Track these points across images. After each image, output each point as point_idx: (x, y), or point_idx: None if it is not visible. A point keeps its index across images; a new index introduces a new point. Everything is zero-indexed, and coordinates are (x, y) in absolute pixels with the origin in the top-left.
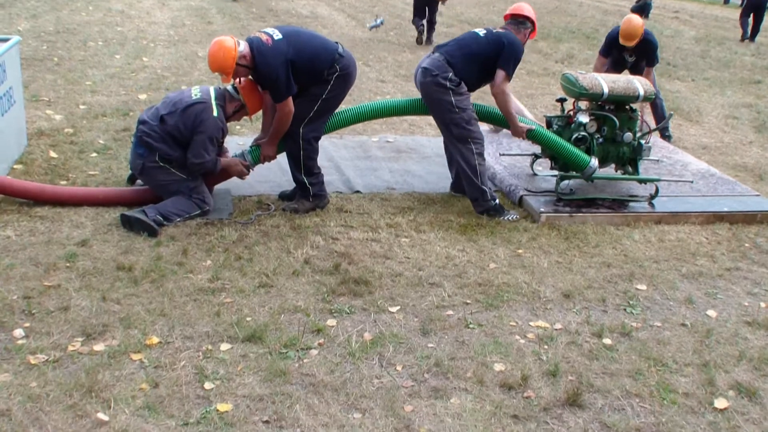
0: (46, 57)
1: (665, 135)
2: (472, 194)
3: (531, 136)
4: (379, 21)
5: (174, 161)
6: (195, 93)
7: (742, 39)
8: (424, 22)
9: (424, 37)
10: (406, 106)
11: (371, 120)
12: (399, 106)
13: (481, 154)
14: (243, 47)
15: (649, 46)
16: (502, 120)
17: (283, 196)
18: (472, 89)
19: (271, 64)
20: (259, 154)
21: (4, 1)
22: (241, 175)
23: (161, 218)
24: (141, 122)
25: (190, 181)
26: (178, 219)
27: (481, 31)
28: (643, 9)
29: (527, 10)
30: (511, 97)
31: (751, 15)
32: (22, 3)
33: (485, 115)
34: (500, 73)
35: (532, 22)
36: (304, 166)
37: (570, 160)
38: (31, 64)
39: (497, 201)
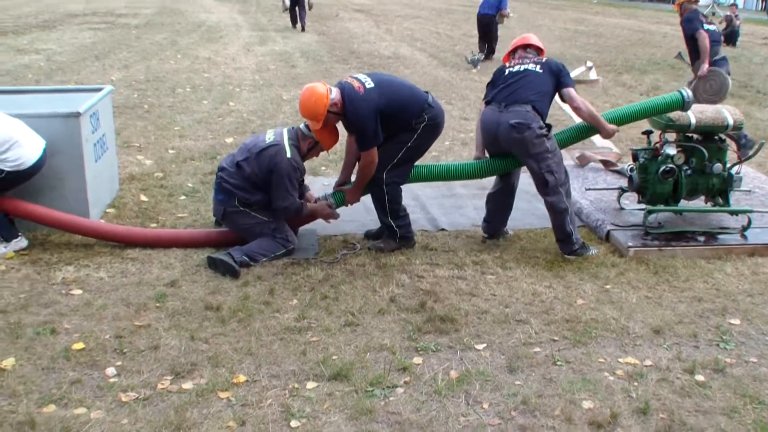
0: (137, 105)
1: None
2: (560, 236)
3: (619, 120)
4: (478, 56)
5: (254, 204)
6: (269, 137)
7: None
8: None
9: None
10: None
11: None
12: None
13: (568, 192)
14: (335, 94)
15: None
16: (583, 132)
17: (369, 235)
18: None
19: (360, 113)
20: (342, 197)
21: (99, 53)
22: (330, 218)
23: (247, 259)
24: (220, 169)
25: (272, 222)
26: (264, 259)
27: (536, 67)
28: (731, 36)
29: (534, 39)
30: (586, 102)
31: None
32: (115, 54)
33: (571, 138)
34: (571, 92)
35: (540, 51)
36: (390, 210)
37: (663, 108)
38: (123, 111)
39: (581, 242)
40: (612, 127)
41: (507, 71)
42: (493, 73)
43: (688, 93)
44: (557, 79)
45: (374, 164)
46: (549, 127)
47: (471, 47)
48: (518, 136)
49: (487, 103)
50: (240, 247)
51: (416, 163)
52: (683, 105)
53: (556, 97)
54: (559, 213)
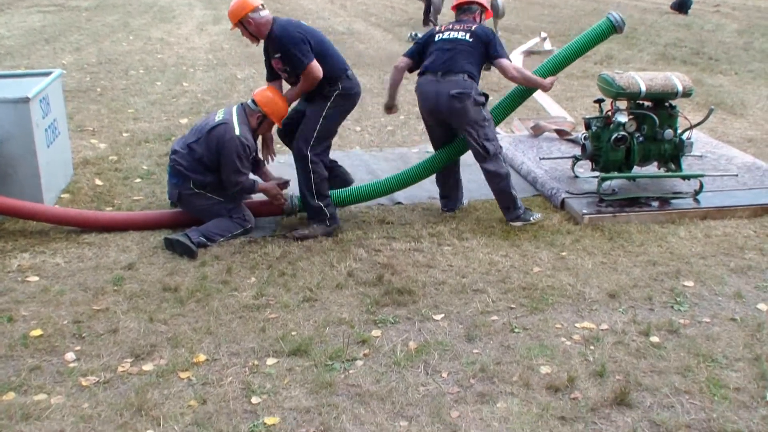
0: (89, 88)
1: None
2: (505, 203)
3: (554, 70)
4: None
5: (208, 186)
6: (219, 115)
7: None
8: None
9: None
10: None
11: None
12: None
13: (503, 156)
14: (265, 13)
15: None
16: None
17: None
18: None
19: (289, 33)
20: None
21: (49, 36)
22: (276, 199)
23: (204, 240)
24: (173, 152)
25: (227, 202)
26: (221, 239)
27: (467, 36)
28: (682, 5)
29: None
30: (518, 68)
31: None
32: (66, 38)
33: (513, 104)
34: (503, 62)
35: (480, 4)
36: (317, 191)
37: (595, 39)
38: (76, 95)
39: (523, 207)
40: (549, 79)
41: (438, 38)
42: (424, 35)
43: (616, 15)
44: (486, 49)
45: (317, 79)
46: (486, 96)
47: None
48: (459, 106)
49: (422, 73)
50: (197, 228)
51: (358, 185)
52: (615, 28)
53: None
54: (503, 178)
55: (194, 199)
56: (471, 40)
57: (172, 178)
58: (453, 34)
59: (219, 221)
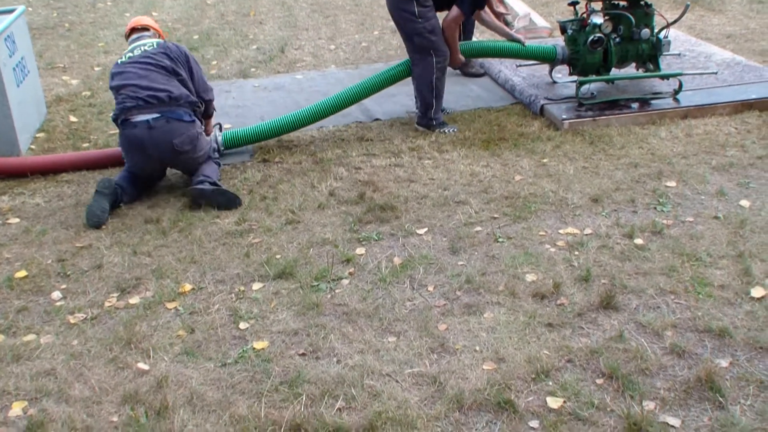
0: (57, 24)
1: None
2: (419, 107)
3: (473, 53)
4: None
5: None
6: (148, 45)
7: None
8: None
9: None
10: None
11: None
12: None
13: (441, 69)
14: None
15: None
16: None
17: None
18: (439, 8)
19: None
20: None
21: None
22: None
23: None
24: (163, 92)
25: (211, 141)
26: None
27: None
28: None
29: None
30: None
31: None
32: None
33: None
34: (455, 11)
35: None
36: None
37: (535, 56)
38: (43, 32)
39: (441, 119)
40: (459, 58)
41: None
42: None
43: (559, 48)
44: None
45: None
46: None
47: None
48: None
49: None
50: (209, 177)
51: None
52: (555, 60)
53: None
54: (425, 80)
55: (202, 142)
56: None
57: (188, 117)
58: None
59: (210, 166)
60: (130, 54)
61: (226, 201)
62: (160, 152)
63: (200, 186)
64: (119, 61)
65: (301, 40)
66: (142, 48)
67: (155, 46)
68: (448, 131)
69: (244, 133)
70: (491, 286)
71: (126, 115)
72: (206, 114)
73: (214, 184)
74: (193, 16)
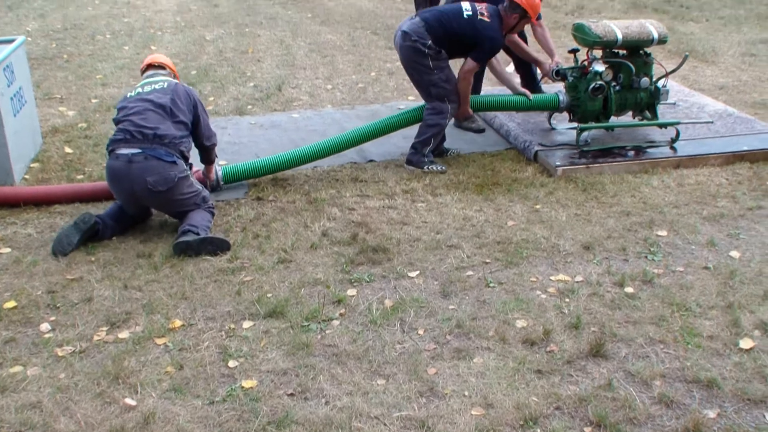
0: (55, 55)
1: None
2: (416, 143)
3: (480, 107)
4: None
5: (187, 162)
6: (160, 83)
7: None
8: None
9: None
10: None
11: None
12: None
13: (453, 115)
14: None
15: None
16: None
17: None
18: (452, 56)
19: None
20: (228, 172)
21: (12, 3)
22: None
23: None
24: (154, 134)
25: (202, 191)
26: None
27: (467, 10)
28: None
29: None
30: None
31: None
32: (29, 3)
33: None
34: (471, 63)
35: (524, 9)
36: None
37: (539, 107)
38: (42, 63)
39: (432, 157)
40: (467, 112)
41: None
42: None
43: (562, 96)
44: (475, 42)
45: None
46: (439, 51)
47: None
48: (401, 43)
49: None
50: (195, 225)
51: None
52: (557, 107)
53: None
54: (434, 122)
55: (184, 185)
56: (469, 21)
57: (168, 157)
58: (465, 8)
59: (200, 214)
60: (140, 89)
61: (214, 248)
62: (135, 188)
63: (184, 239)
64: (128, 95)
65: (298, 79)
66: (152, 86)
67: (165, 86)
68: (436, 169)
69: (252, 167)
70: (481, 331)
71: (113, 147)
72: (207, 160)
73: (198, 233)
74: (192, 51)
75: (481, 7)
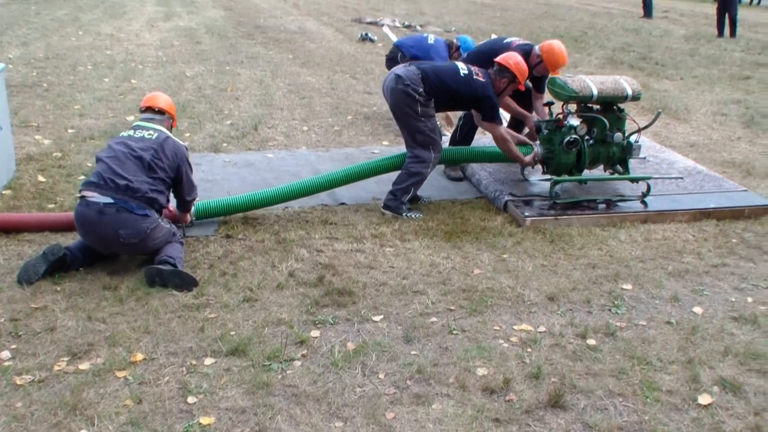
0: (35, 83)
1: None
2: (396, 190)
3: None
4: (369, 34)
5: (162, 211)
6: (148, 133)
7: (718, 35)
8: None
9: None
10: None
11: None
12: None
13: (434, 164)
14: None
15: None
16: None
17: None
18: (438, 110)
19: None
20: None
21: None
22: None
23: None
24: (124, 186)
25: (172, 227)
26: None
27: (463, 70)
28: (648, 10)
29: (509, 60)
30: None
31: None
32: (13, 31)
33: (484, 156)
34: (489, 125)
35: (513, 74)
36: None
37: (513, 158)
38: (21, 90)
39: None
40: (530, 159)
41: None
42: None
43: (537, 146)
44: (472, 100)
45: None
46: (429, 99)
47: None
48: (393, 86)
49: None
50: (172, 257)
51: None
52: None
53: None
54: (415, 170)
55: (156, 233)
56: (465, 80)
57: (140, 211)
58: (461, 69)
59: (173, 247)
60: (130, 132)
61: (182, 283)
62: (106, 237)
63: (159, 266)
64: (120, 134)
65: (275, 119)
66: (142, 132)
67: (153, 137)
68: (414, 216)
69: (223, 204)
70: (442, 378)
71: (85, 190)
72: (184, 209)
73: (174, 265)
74: (171, 86)
75: (475, 69)
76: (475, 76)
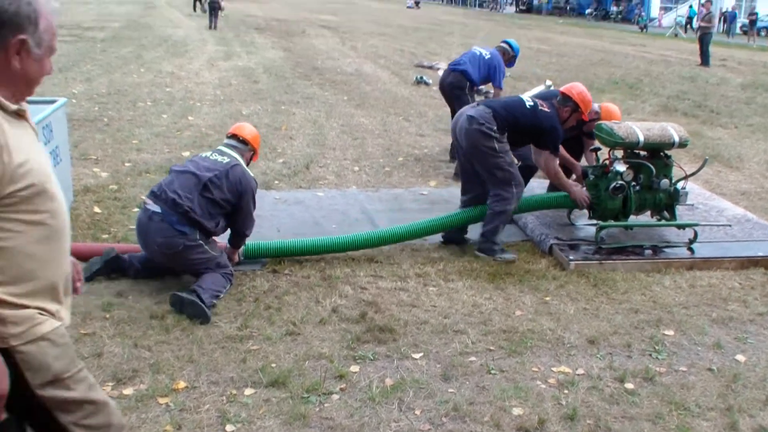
0: (96, 118)
1: None
2: (486, 232)
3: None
4: (425, 78)
5: (209, 235)
6: (221, 157)
7: None
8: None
9: None
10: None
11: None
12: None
13: (518, 199)
14: None
15: None
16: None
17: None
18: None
19: None
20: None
21: (62, 65)
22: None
23: (215, 302)
24: (173, 200)
25: (219, 257)
26: (221, 296)
27: (528, 102)
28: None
29: (573, 90)
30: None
31: None
32: (79, 67)
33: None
34: (545, 153)
35: (576, 103)
36: None
37: (560, 204)
38: (83, 124)
39: (501, 245)
40: (584, 197)
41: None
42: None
43: None
44: (537, 133)
45: None
46: (503, 135)
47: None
48: (467, 127)
49: None
50: (202, 287)
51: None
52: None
53: None
54: (500, 209)
55: (193, 252)
56: (531, 111)
57: (179, 226)
58: (527, 101)
59: (214, 277)
60: (207, 154)
61: (195, 314)
62: (148, 244)
63: (181, 293)
64: (199, 153)
65: (327, 159)
66: (216, 156)
67: (223, 161)
68: (508, 257)
69: (274, 247)
70: (477, 416)
71: (147, 197)
72: (235, 244)
73: (199, 296)
74: (227, 124)
75: (540, 101)
76: (540, 107)
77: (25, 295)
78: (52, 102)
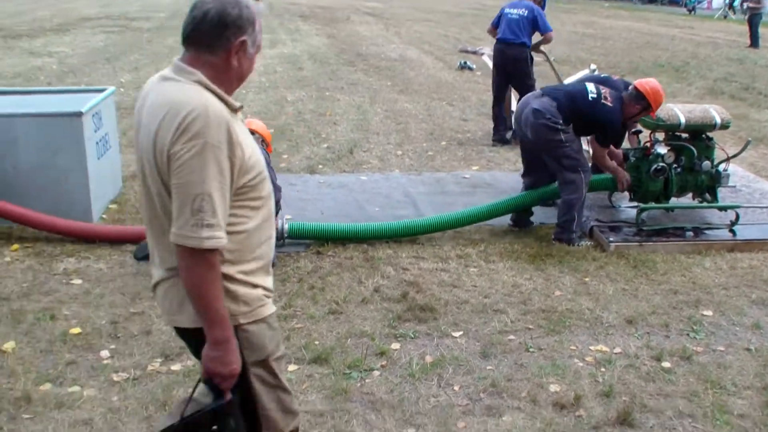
0: None
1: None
2: (562, 222)
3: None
4: (468, 63)
5: None
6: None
7: None
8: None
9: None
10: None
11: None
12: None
13: (588, 185)
14: None
15: None
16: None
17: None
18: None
19: None
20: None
21: (110, 56)
22: None
23: None
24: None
25: None
26: None
27: (592, 92)
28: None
29: (649, 88)
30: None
31: None
32: (126, 57)
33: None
34: (597, 146)
35: (649, 103)
36: None
37: (601, 187)
38: (131, 113)
39: (579, 232)
40: (627, 178)
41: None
42: None
43: None
44: (597, 124)
45: None
46: (569, 125)
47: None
48: (533, 121)
49: None
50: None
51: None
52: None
53: None
54: (573, 197)
55: None
56: (593, 102)
57: None
58: (591, 90)
59: None
60: None
61: None
62: None
63: None
64: None
65: (370, 143)
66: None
67: None
68: (587, 244)
69: (320, 229)
70: (514, 392)
71: None
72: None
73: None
74: (272, 110)
75: (605, 91)
76: (602, 100)
77: (252, 272)
78: (102, 91)
